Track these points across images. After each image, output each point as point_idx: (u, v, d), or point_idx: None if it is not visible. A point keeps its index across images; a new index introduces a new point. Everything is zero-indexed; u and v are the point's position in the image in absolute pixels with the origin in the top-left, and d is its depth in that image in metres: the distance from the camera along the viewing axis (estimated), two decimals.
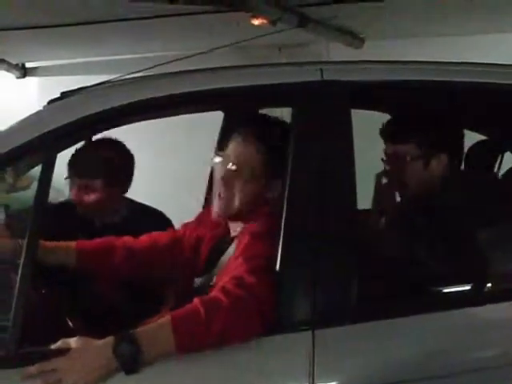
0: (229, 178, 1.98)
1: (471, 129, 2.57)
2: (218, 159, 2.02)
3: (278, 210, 1.86)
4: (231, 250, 2.00)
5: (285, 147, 1.87)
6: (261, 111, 2.61)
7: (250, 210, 1.99)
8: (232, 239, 2.03)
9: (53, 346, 1.71)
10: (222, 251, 2.05)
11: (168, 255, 2.22)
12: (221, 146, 2.12)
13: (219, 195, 2.00)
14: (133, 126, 2.31)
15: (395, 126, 2.27)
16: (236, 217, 2.02)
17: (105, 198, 2.53)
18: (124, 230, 2.38)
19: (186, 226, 2.27)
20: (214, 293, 1.74)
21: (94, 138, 2.52)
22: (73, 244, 2.22)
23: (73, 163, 2.51)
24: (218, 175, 2.01)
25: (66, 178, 2.55)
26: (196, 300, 1.72)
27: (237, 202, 1.98)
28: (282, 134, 1.95)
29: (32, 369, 1.65)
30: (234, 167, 1.97)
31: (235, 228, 2.04)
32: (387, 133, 2.27)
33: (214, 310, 1.68)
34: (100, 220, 2.60)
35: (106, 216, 2.59)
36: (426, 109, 2.20)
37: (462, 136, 2.32)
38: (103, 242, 2.26)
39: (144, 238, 2.26)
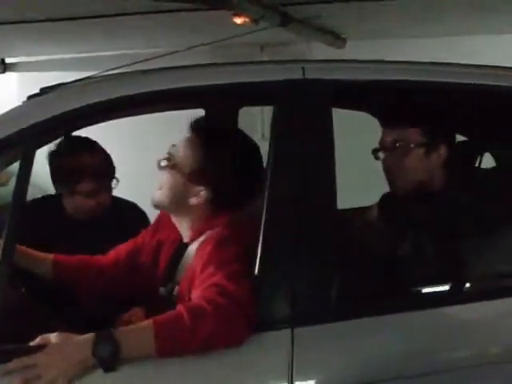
0: (167, 181, 1.99)
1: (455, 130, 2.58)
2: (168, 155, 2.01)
3: (239, 217, 1.90)
4: (186, 258, 2.00)
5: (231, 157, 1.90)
6: (241, 110, 2.61)
7: (200, 218, 1.98)
8: (186, 246, 2.03)
9: (32, 343, 1.70)
10: (179, 258, 2.04)
11: (130, 266, 2.22)
12: None
13: (159, 187, 2.01)
14: (114, 122, 2.31)
15: (399, 116, 2.25)
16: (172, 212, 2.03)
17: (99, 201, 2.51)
18: (102, 224, 2.36)
19: (145, 232, 2.26)
20: (197, 301, 1.73)
21: (70, 139, 2.48)
22: (50, 257, 2.24)
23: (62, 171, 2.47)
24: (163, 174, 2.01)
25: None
26: (180, 306, 1.72)
27: (169, 197, 1.99)
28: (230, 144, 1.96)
29: (10, 365, 1.64)
30: (167, 162, 1.98)
31: (184, 233, 2.04)
32: (390, 120, 2.25)
33: (198, 317, 1.67)
34: (80, 217, 2.57)
35: (87, 216, 2.57)
36: (408, 109, 2.20)
37: (449, 135, 2.32)
38: (78, 259, 2.27)
39: (110, 255, 2.27)
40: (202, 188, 1.96)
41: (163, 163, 2.00)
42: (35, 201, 2.65)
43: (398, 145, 2.20)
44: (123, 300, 2.27)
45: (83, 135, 2.49)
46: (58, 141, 2.44)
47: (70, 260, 2.26)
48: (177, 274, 2.03)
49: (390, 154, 2.22)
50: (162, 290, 2.05)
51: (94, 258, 2.28)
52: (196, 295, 1.77)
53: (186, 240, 2.05)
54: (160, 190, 2.01)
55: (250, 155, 2.00)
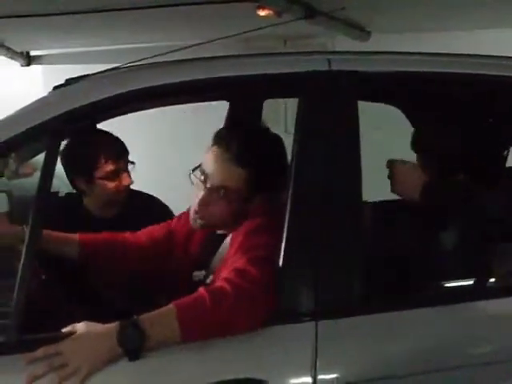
0: (208, 199, 1.92)
1: None
2: (199, 171, 1.94)
3: (269, 208, 1.88)
4: (222, 249, 2.00)
5: (269, 158, 1.87)
6: (266, 102, 2.60)
7: (231, 223, 1.95)
8: (222, 236, 2.03)
9: (58, 332, 1.70)
10: (215, 247, 2.04)
11: (163, 249, 2.22)
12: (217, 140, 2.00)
13: (195, 211, 1.95)
14: (135, 115, 2.31)
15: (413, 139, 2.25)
16: (213, 228, 2.01)
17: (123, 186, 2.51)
18: (125, 219, 2.36)
19: (179, 217, 2.26)
20: (218, 283, 1.74)
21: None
22: (76, 237, 2.23)
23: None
24: (197, 188, 1.95)
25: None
26: (201, 289, 1.72)
27: (213, 222, 1.96)
28: (265, 145, 1.92)
29: (37, 353, 1.65)
30: (210, 185, 1.91)
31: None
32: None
33: (219, 299, 1.68)
34: (102, 213, 2.57)
35: (109, 208, 2.57)
36: (436, 100, 2.17)
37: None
38: (105, 237, 2.26)
39: (141, 234, 2.26)
40: (257, 194, 1.91)
41: (210, 189, 1.91)
42: (57, 199, 2.66)
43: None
44: (150, 282, 2.27)
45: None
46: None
47: (96, 238, 2.25)
48: (212, 263, 2.02)
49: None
50: (196, 274, 2.05)
51: (121, 236, 2.26)
52: (221, 278, 1.77)
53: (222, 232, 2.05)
54: (197, 214, 1.95)
55: (276, 149, 1.97)
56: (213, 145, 1.94)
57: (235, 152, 1.89)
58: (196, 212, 1.96)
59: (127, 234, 2.27)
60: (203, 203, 1.93)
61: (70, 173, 2.51)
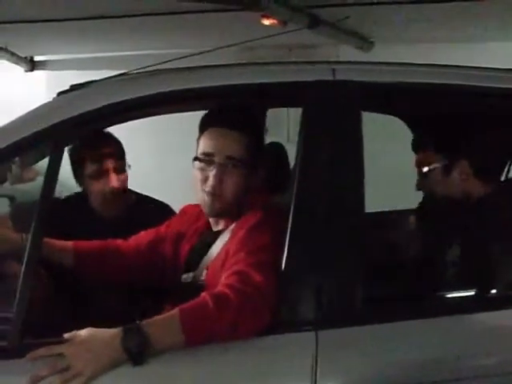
0: (220, 175, 1.96)
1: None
2: (202, 156, 1.99)
3: (270, 203, 1.89)
4: (218, 244, 2.00)
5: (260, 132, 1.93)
6: (270, 111, 2.60)
7: (240, 204, 1.98)
8: (217, 234, 2.03)
9: (62, 337, 1.70)
10: (207, 246, 2.04)
11: (151, 254, 2.23)
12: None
13: (211, 193, 1.97)
14: (139, 122, 2.31)
15: (418, 137, 2.26)
16: (228, 213, 2.01)
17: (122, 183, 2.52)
18: (129, 223, 2.37)
19: (169, 222, 2.27)
20: (221, 288, 1.74)
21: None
22: (70, 244, 2.24)
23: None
24: (204, 173, 1.98)
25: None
26: (204, 294, 1.72)
27: (230, 198, 1.98)
28: (256, 121, 2.00)
29: (40, 351, 1.66)
30: (223, 164, 1.96)
31: (217, 222, 2.05)
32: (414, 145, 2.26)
33: (222, 304, 1.68)
34: (105, 212, 2.58)
35: (112, 208, 2.58)
36: (439, 112, 2.18)
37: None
38: (99, 244, 2.27)
39: (132, 240, 2.28)
40: (258, 169, 1.98)
41: (223, 166, 1.96)
42: (61, 199, 2.66)
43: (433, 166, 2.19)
44: (144, 287, 2.28)
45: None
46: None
47: (91, 245, 2.26)
48: (204, 260, 2.03)
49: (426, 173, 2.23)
50: (184, 276, 2.06)
51: (114, 243, 2.28)
52: (221, 282, 1.77)
53: (217, 228, 2.05)
54: (213, 196, 1.97)
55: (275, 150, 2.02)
56: (208, 127, 1.99)
57: (233, 123, 1.97)
58: (211, 193, 1.97)
59: (119, 241, 2.29)
60: (217, 180, 1.96)
61: (72, 170, 2.53)
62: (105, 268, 2.24)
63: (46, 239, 2.15)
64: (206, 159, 1.98)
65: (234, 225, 1.98)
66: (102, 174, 2.47)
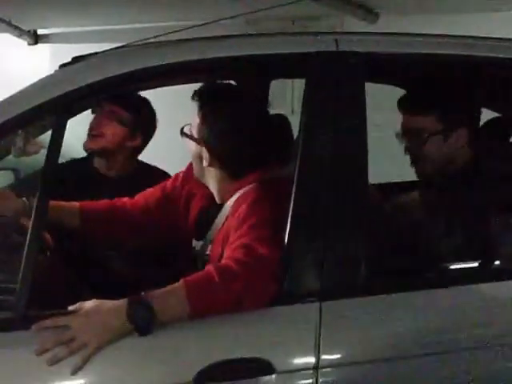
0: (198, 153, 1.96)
1: (485, 105, 2.54)
2: (196, 132, 1.98)
3: (271, 176, 1.90)
4: (220, 218, 2.00)
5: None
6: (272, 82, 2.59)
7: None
8: (219, 206, 2.03)
9: (69, 308, 1.71)
10: (213, 217, 2.04)
11: (161, 212, 2.21)
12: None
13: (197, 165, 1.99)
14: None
15: (414, 97, 2.22)
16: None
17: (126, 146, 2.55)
18: (132, 188, 2.38)
19: (175, 179, 2.25)
20: (226, 261, 1.74)
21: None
22: (76, 205, 2.22)
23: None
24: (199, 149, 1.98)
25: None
26: (209, 267, 1.73)
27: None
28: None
29: (45, 322, 1.67)
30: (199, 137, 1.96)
31: (216, 194, 2.04)
32: (406, 105, 2.22)
33: (228, 277, 1.68)
34: (109, 176, 2.60)
35: (115, 172, 2.59)
36: (443, 83, 2.16)
37: (479, 111, 2.29)
38: (105, 204, 2.25)
39: (139, 198, 2.25)
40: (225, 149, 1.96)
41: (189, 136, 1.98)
42: (65, 163, 2.68)
43: (419, 132, 2.17)
44: (151, 251, 2.29)
45: None
46: None
47: (97, 205, 2.25)
48: (210, 232, 2.03)
49: (408, 137, 2.20)
50: (196, 244, 2.06)
51: (121, 202, 2.26)
52: (226, 255, 1.78)
53: (218, 201, 2.05)
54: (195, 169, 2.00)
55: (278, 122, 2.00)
56: (205, 103, 1.97)
57: (227, 99, 1.97)
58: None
59: (126, 200, 2.26)
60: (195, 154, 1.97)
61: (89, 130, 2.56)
62: (112, 228, 2.23)
63: (52, 202, 2.15)
64: (199, 134, 1.97)
65: (234, 198, 1.97)
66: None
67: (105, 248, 2.31)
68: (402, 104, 2.21)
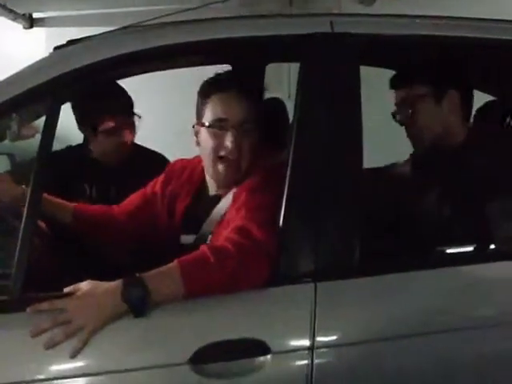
0: (236, 139, 1.95)
1: (480, 88, 2.54)
2: (214, 123, 1.97)
3: (270, 163, 1.90)
4: (221, 208, 2.00)
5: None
6: (269, 67, 2.58)
7: (248, 168, 1.99)
8: (215, 198, 2.04)
9: (64, 290, 1.72)
10: (206, 209, 2.04)
11: (142, 216, 2.24)
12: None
13: (228, 158, 1.96)
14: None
15: (404, 71, 2.23)
16: (239, 180, 1.99)
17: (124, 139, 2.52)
18: (128, 174, 2.37)
19: (155, 183, 2.27)
20: (220, 242, 1.75)
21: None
22: (71, 206, 2.26)
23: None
24: (217, 140, 1.97)
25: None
26: (203, 247, 1.74)
27: (246, 163, 1.98)
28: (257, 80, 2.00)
29: (41, 305, 1.67)
30: (240, 128, 1.95)
31: (216, 186, 2.04)
32: (397, 81, 2.22)
33: (223, 257, 1.69)
34: (105, 163, 2.59)
35: (113, 159, 2.59)
36: (437, 64, 2.16)
37: (472, 95, 2.29)
38: (97, 210, 2.29)
39: (124, 204, 2.29)
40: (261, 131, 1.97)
41: (237, 131, 1.95)
42: (60, 150, 2.67)
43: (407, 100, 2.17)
44: (140, 250, 2.29)
45: None
46: None
47: (90, 210, 2.28)
48: (206, 224, 2.03)
49: (403, 112, 2.20)
50: (184, 238, 2.06)
51: (110, 210, 2.30)
52: (223, 236, 1.78)
53: (215, 192, 2.06)
54: (229, 162, 1.97)
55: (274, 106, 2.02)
56: (214, 93, 1.97)
57: (241, 86, 1.97)
58: (228, 159, 1.96)
59: (115, 208, 2.29)
60: (234, 145, 1.95)
61: (77, 122, 2.53)
62: (102, 233, 2.26)
63: (48, 196, 2.17)
64: (219, 125, 1.96)
65: (235, 189, 1.98)
66: (112, 129, 2.47)
67: (93, 247, 2.32)
68: (393, 82, 2.23)
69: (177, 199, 2.18)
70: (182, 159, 2.27)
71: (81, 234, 2.27)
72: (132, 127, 2.52)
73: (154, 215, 2.23)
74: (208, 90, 1.99)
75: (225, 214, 1.97)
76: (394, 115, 2.25)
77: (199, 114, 2.01)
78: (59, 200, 2.23)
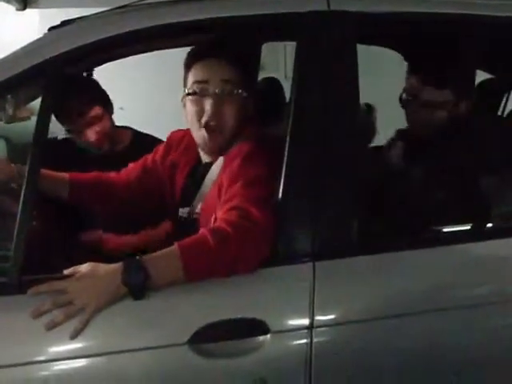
0: (217, 102, 1.92)
1: (479, 66, 2.52)
2: (194, 87, 1.95)
3: (263, 134, 1.90)
4: (210, 176, 1.99)
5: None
6: (265, 47, 2.56)
7: (235, 135, 1.96)
8: (207, 165, 2.02)
9: (65, 272, 1.72)
10: (199, 179, 2.03)
11: (143, 188, 2.23)
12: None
13: (209, 124, 1.94)
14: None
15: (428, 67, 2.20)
16: (226, 148, 1.97)
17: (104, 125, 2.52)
18: (126, 160, 2.37)
19: (156, 152, 2.25)
20: (220, 224, 1.74)
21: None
22: (66, 176, 2.23)
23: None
24: (199, 105, 1.95)
25: None
26: (203, 230, 1.73)
27: (229, 128, 1.95)
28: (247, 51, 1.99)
29: (42, 286, 1.67)
30: (220, 92, 1.93)
31: (207, 152, 2.02)
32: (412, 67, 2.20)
33: (222, 240, 1.68)
34: (103, 150, 2.58)
35: (108, 146, 2.58)
36: (439, 43, 2.13)
37: (474, 72, 2.27)
38: (93, 177, 2.26)
39: (123, 173, 2.27)
40: (250, 96, 1.96)
41: (221, 95, 1.93)
42: (52, 142, 2.66)
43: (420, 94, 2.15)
44: (140, 221, 2.29)
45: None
46: None
47: (85, 178, 2.25)
48: (199, 192, 2.03)
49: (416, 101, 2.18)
50: (181, 211, 2.06)
51: (107, 176, 2.27)
52: (219, 217, 1.78)
53: (207, 159, 2.04)
54: (212, 128, 1.94)
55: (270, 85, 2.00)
56: (196, 61, 1.96)
57: (223, 52, 1.95)
58: (210, 125, 1.94)
59: (112, 175, 2.27)
60: (215, 109, 1.92)
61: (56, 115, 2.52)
62: (99, 202, 2.24)
63: (43, 170, 2.15)
64: (200, 88, 1.94)
65: (226, 155, 1.96)
66: (83, 125, 2.48)
67: (92, 217, 2.31)
68: (414, 70, 2.19)
69: (177, 168, 2.16)
70: (181, 129, 2.25)
71: (78, 203, 2.24)
72: (106, 115, 2.54)
73: (154, 183, 2.21)
74: (190, 60, 1.98)
75: (216, 180, 1.95)
76: (400, 98, 2.23)
77: (184, 86, 2.00)
78: (52, 172, 2.20)
